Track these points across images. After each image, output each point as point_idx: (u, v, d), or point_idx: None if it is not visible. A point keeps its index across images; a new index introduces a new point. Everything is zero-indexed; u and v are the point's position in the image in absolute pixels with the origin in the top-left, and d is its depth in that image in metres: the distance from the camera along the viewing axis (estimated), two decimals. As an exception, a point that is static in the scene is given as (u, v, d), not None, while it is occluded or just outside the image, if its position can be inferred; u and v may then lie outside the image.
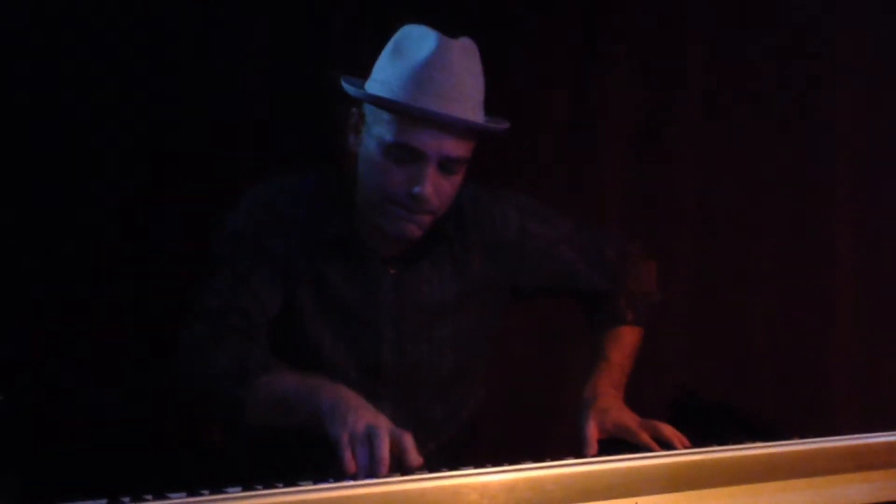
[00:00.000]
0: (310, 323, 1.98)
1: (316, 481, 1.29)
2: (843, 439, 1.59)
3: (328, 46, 2.92)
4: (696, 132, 3.27)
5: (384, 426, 1.58)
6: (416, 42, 1.89)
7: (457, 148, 1.89)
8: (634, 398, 2.01)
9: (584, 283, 2.17)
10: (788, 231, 3.29)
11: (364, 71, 1.98)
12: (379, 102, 1.88)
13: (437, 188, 1.89)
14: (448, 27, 1.92)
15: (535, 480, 1.35)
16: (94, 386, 2.76)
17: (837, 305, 3.28)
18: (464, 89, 1.88)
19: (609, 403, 1.93)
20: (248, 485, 1.29)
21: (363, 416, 1.61)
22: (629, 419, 1.87)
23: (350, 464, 1.54)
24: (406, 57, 1.88)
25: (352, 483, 1.29)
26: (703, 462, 1.47)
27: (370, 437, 1.56)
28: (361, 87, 1.94)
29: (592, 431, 1.85)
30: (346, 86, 1.94)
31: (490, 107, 1.95)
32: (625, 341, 2.12)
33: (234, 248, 1.97)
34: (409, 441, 1.57)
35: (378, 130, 1.89)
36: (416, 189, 1.87)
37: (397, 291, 2.02)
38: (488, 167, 2.05)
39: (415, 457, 1.56)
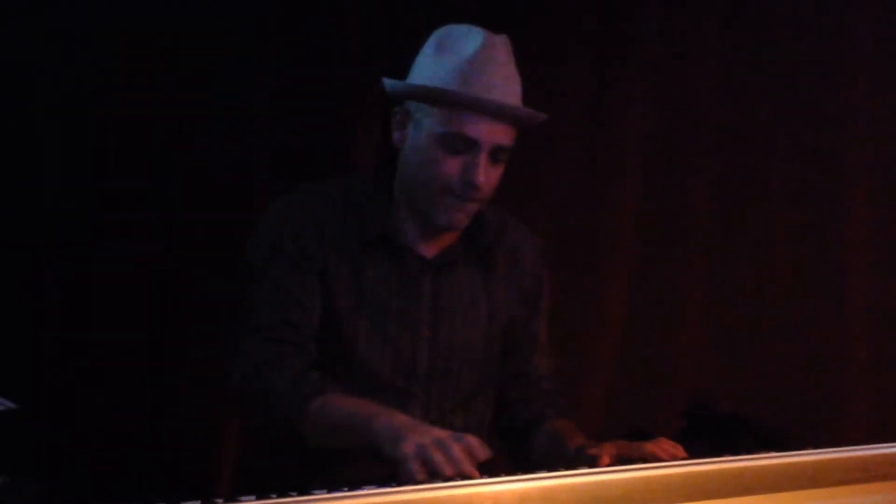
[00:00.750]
0: (345, 323, 1.99)
1: (330, 490, 1.30)
2: (855, 449, 1.59)
3: (360, 49, 2.92)
4: (709, 140, 3.28)
5: (447, 433, 1.63)
6: (462, 37, 1.93)
7: (507, 136, 1.93)
8: (649, 409, 2.01)
9: (536, 365, 2.18)
10: (802, 242, 3.29)
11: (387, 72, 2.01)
12: (439, 94, 1.90)
13: (487, 176, 1.93)
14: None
15: (548, 490, 1.35)
16: (106, 393, 2.77)
17: (850, 316, 3.27)
18: (511, 80, 1.94)
19: (594, 441, 1.93)
20: (261, 493, 1.29)
21: (424, 431, 1.65)
22: (624, 440, 1.88)
23: (420, 472, 1.57)
24: (454, 52, 1.92)
25: (365, 492, 1.29)
26: (715, 472, 1.47)
27: (440, 444, 1.59)
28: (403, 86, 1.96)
29: (599, 452, 1.84)
30: (394, 83, 1.97)
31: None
32: (572, 426, 2.08)
33: (274, 257, 1.97)
34: (474, 441, 1.60)
35: (429, 123, 1.92)
36: (472, 178, 1.90)
37: (434, 291, 2.04)
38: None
39: (484, 453, 1.60)
